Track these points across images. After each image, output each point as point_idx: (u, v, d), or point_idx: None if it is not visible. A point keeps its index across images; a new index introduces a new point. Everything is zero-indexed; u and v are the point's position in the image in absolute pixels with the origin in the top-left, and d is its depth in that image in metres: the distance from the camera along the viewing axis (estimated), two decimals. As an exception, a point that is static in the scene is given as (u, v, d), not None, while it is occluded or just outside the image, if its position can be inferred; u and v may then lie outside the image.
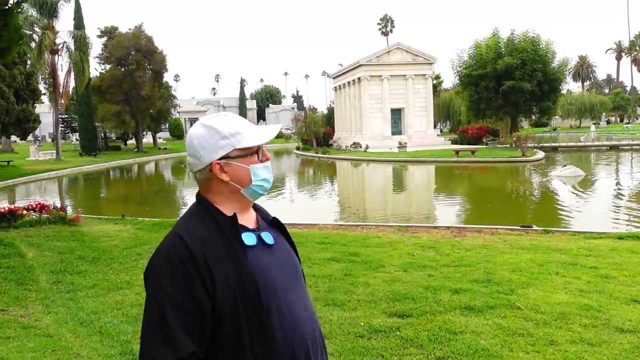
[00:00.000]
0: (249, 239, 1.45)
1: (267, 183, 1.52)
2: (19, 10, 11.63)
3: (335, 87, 58.46)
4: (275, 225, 1.60)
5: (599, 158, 32.91)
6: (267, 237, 1.50)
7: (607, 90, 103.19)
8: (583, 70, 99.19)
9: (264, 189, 1.52)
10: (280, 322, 1.40)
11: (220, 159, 1.46)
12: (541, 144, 39.08)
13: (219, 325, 1.35)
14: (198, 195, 1.53)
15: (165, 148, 58.29)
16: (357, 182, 28.67)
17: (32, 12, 36.37)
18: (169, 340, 1.31)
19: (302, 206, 18.28)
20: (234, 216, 1.46)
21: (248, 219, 1.52)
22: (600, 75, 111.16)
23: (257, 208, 1.60)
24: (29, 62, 36.51)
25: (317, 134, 49.87)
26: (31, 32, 34.92)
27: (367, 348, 4.31)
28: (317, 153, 45.44)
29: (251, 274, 1.39)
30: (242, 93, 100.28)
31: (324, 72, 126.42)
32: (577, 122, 79.37)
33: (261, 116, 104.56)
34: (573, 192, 18.32)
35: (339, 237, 9.29)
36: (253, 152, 1.49)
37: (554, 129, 67.87)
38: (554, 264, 6.86)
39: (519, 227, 10.02)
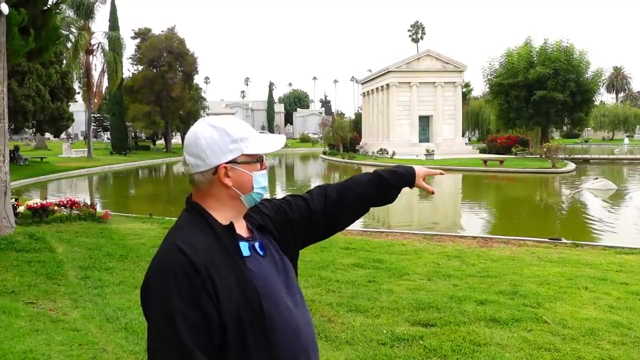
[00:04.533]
0: (244, 248, 1.43)
1: (265, 191, 1.51)
2: (57, 10, 11.93)
3: (364, 93, 58.44)
4: (263, 230, 1.57)
5: (632, 172, 32.10)
6: (259, 247, 1.49)
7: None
8: (617, 82, 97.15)
9: (260, 197, 1.51)
10: (283, 329, 1.38)
11: (227, 162, 1.43)
12: (572, 156, 38.33)
13: (224, 337, 1.33)
14: (190, 200, 1.48)
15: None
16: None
17: (70, 12, 37.26)
18: None
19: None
20: (232, 225, 1.43)
21: (241, 227, 1.49)
22: (636, 87, 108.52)
23: (245, 214, 1.57)
24: (64, 61, 37.40)
25: (344, 139, 49.84)
26: (68, 33, 35.79)
27: (390, 356, 4.27)
28: (343, 158, 45.39)
29: (252, 284, 1.37)
30: (270, 96, 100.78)
31: (352, 77, 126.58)
32: (609, 134, 77.67)
33: (289, 120, 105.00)
34: (604, 206, 17.91)
35: (363, 243, 9.26)
36: (258, 160, 1.48)
37: (586, 141, 66.64)
38: (583, 278, 6.72)
39: (547, 240, 9.86)
